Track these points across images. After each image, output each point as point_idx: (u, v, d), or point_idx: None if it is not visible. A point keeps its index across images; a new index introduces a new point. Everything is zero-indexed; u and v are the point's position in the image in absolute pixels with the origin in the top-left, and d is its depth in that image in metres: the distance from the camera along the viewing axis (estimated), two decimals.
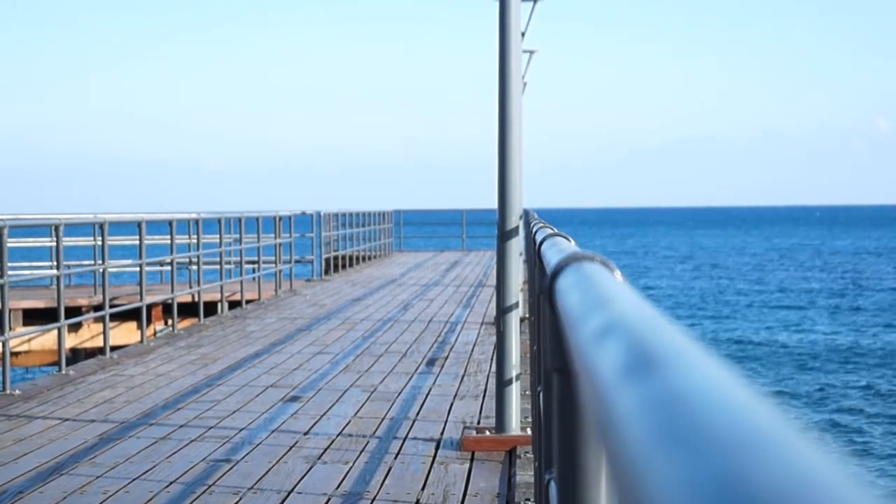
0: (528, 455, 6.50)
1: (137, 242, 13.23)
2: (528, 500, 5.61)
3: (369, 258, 28.17)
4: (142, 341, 12.70)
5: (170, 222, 14.42)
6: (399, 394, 8.94)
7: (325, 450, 6.89)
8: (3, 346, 9.41)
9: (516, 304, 7.28)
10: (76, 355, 15.58)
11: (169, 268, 16.08)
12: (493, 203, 7.42)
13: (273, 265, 19.40)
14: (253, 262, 19.11)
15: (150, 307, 15.27)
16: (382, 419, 7.88)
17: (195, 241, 15.85)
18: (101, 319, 13.89)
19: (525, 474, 6.11)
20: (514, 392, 7.15)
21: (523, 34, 7.46)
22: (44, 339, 16.01)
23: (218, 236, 16.46)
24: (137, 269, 13.66)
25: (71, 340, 15.71)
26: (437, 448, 6.92)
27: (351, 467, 6.42)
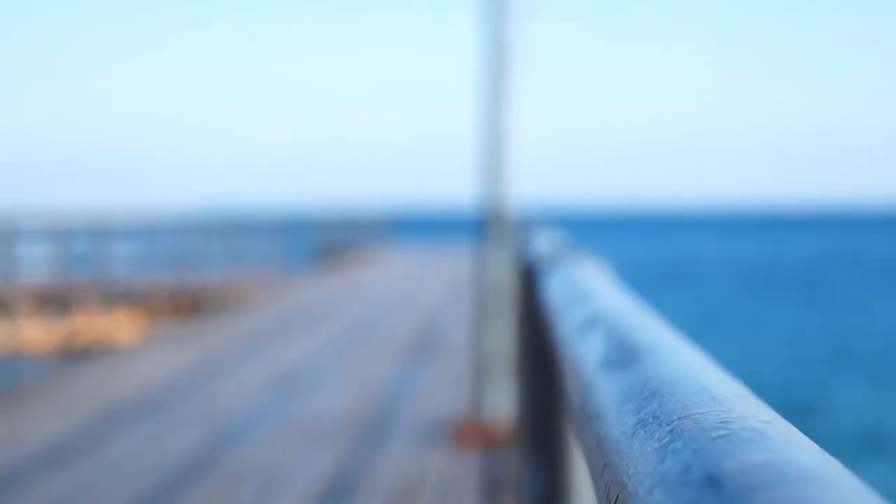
0: (511, 444, 6.52)
1: (136, 237, 13.23)
2: (512, 489, 5.62)
3: (360, 255, 28.18)
4: (139, 334, 12.68)
5: (167, 218, 14.43)
6: (386, 384, 8.96)
7: (314, 439, 6.92)
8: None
9: (502, 296, 7.30)
10: (73, 347, 15.57)
11: (166, 262, 16.07)
12: (482, 198, 7.43)
13: (266, 261, 19.41)
14: (246, 258, 19.13)
15: (147, 300, 15.26)
16: (370, 409, 7.91)
17: (192, 236, 15.84)
18: (99, 312, 13.90)
19: (509, 463, 6.13)
20: (499, 382, 7.16)
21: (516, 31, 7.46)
22: (42, 331, 15.97)
23: (213, 232, 16.47)
24: (136, 263, 13.65)
25: (69, 333, 15.69)
26: (422, 437, 6.95)
27: (339, 456, 6.45)
